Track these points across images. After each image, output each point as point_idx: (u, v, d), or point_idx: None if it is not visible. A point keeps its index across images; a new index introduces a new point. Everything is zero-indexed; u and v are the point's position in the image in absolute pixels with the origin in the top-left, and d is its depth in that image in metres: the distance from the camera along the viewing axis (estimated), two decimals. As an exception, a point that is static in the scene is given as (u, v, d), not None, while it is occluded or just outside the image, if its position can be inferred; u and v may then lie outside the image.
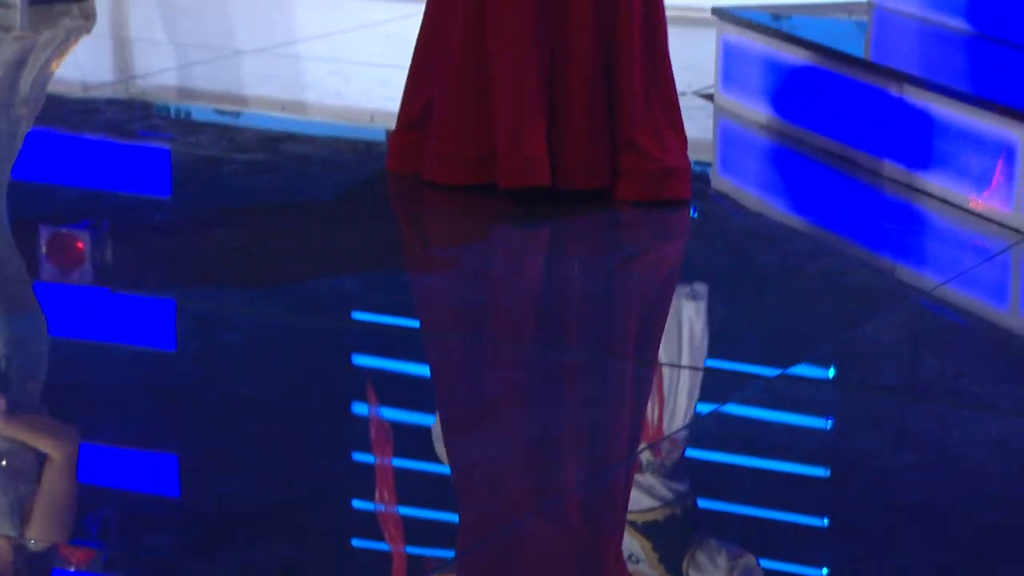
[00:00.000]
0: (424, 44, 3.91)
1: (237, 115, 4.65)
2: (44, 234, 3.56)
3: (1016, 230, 3.59)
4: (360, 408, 2.91)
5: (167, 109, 4.69)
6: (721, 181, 4.17)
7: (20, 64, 4.87)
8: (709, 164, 4.25)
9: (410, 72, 3.97)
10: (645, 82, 3.80)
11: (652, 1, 3.80)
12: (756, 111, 4.37)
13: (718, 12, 4.43)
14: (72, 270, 3.51)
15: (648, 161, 3.81)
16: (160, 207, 3.91)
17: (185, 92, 4.84)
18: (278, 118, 4.58)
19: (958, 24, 4.24)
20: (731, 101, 4.45)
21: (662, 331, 3.26)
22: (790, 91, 4.25)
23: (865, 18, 4.48)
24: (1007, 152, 3.61)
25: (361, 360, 3.11)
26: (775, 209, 4.02)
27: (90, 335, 3.14)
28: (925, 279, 3.54)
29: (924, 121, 3.84)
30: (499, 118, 3.79)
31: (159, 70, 4.95)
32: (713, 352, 3.14)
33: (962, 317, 3.32)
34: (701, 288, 3.50)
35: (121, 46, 5.34)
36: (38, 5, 5.31)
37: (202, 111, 4.69)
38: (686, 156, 3.85)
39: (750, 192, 4.10)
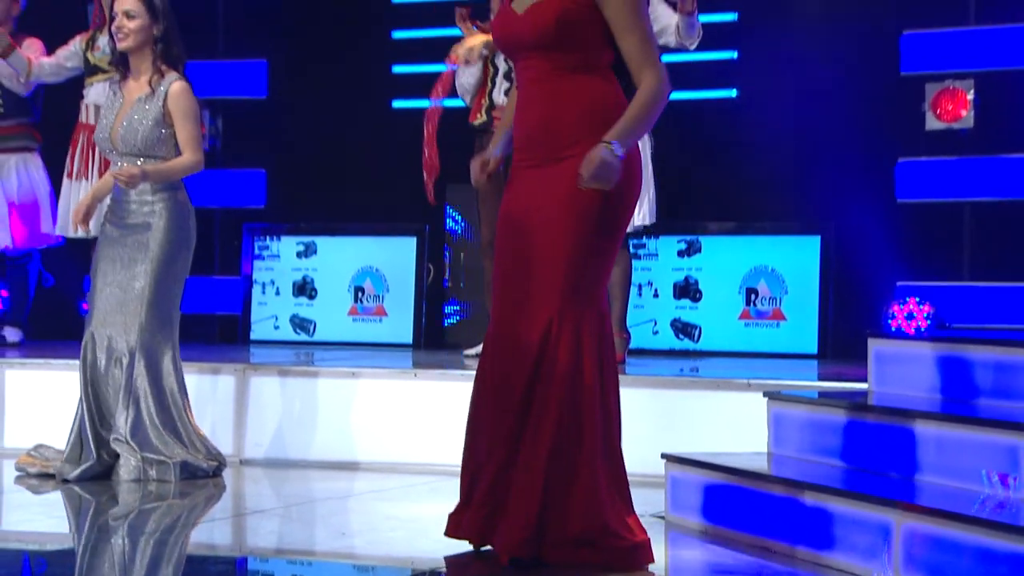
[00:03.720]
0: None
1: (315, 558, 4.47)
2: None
3: (895, 586, 3.48)
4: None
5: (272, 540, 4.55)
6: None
7: (172, 523, 4.80)
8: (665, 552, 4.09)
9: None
10: (608, 477, 3.64)
11: (608, 406, 3.65)
12: (696, 523, 4.26)
13: (667, 455, 4.37)
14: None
15: (620, 540, 3.61)
16: None
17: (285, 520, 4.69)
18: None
19: (833, 461, 4.21)
20: (677, 517, 4.35)
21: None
22: (720, 505, 4.15)
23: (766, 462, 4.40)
24: (885, 532, 3.52)
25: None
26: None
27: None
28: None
29: (822, 514, 3.75)
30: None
31: (264, 509, 4.84)
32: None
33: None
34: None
35: (237, 500, 5.20)
36: (185, 480, 5.20)
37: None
38: (645, 532, 3.68)
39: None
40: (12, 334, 7.04)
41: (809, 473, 4.04)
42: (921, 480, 3.87)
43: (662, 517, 4.41)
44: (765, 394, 4.42)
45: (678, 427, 5.08)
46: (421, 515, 4.67)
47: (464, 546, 3.80)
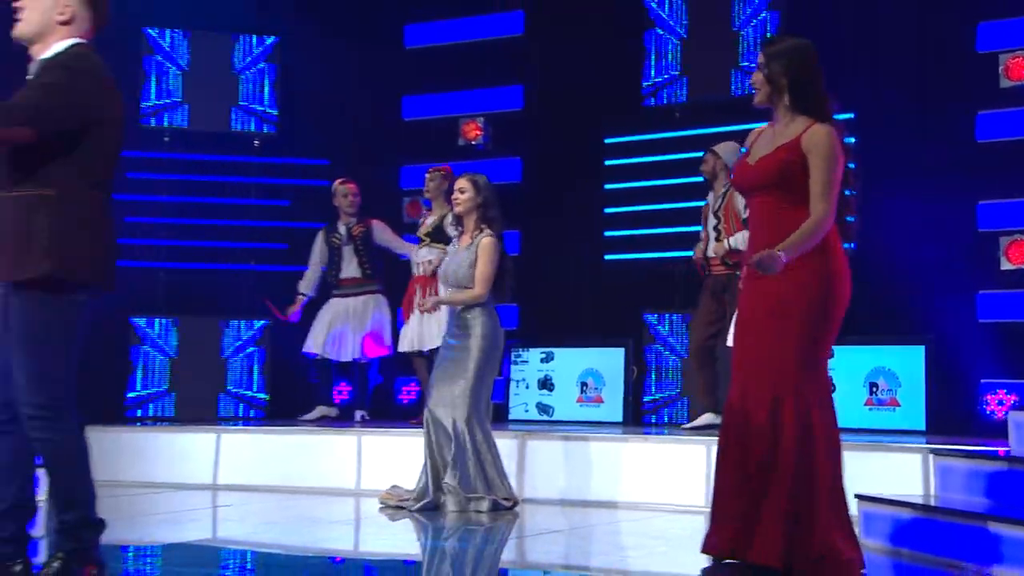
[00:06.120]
0: None
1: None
2: None
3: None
4: None
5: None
6: None
7: (484, 541, 4.63)
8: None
9: None
10: (831, 507, 3.41)
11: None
12: (885, 546, 3.94)
13: (860, 495, 4.09)
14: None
15: (841, 554, 3.36)
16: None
17: None
18: None
19: (991, 501, 3.89)
20: (870, 542, 4.01)
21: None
22: (904, 532, 3.86)
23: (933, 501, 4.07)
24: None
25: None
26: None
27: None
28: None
29: (989, 536, 3.44)
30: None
31: (549, 531, 4.67)
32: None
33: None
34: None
35: (524, 526, 5.04)
36: (492, 512, 5.11)
37: None
38: (859, 550, 3.42)
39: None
40: (359, 415, 7.10)
41: (976, 507, 3.78)
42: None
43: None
44: (933, 450, 4.16)
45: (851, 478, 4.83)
46: (667, 540, 4.52)
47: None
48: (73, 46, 3.04)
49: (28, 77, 3.03)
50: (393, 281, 7.15)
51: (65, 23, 3.04)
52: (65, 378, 2.86)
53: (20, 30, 3.05)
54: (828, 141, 3.44)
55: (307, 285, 7.11)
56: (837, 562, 3.37)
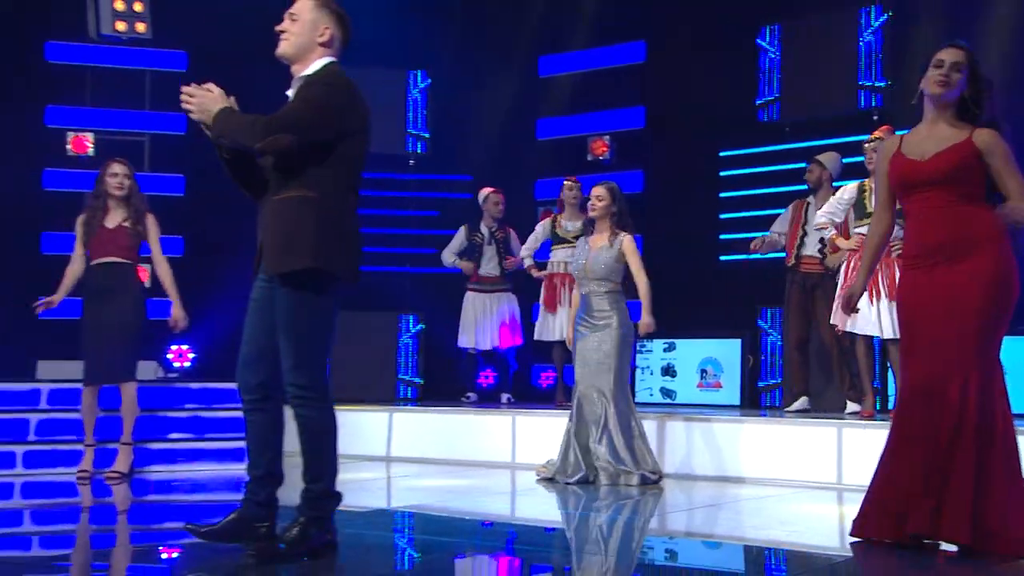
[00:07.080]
0: None
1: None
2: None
3: None
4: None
5: None
6: None
7: (633, 513, 4.40)
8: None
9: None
10: (1013, 488, 3.09)
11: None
12: None
13: None
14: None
15: (1009, 531, 3.05)
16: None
17: None
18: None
19: None
20: None
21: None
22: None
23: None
24: None
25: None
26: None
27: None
28: None
29: None
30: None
31: (696, 507, 4.42)
32: None
33: None
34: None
35: (665, 499, 4.78)
36: (639, 485, 4.86)
37: None
38: None
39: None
40: (505, 397, 7.00)
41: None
42: None
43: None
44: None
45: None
46: (806, 516, 4.21)
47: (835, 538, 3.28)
48: (329, 64, 2.99)
49: (288, 92, 2.99)
50: (519, 280, 7.05)
51: (324, 44, 2.99)
52: (323, 361, 2.80)
53: (283, 50, 3.01)
54: (1002, 142, 3.29)
55: (450, 254, 7.03)
56: (1009, 539, 3.08)
